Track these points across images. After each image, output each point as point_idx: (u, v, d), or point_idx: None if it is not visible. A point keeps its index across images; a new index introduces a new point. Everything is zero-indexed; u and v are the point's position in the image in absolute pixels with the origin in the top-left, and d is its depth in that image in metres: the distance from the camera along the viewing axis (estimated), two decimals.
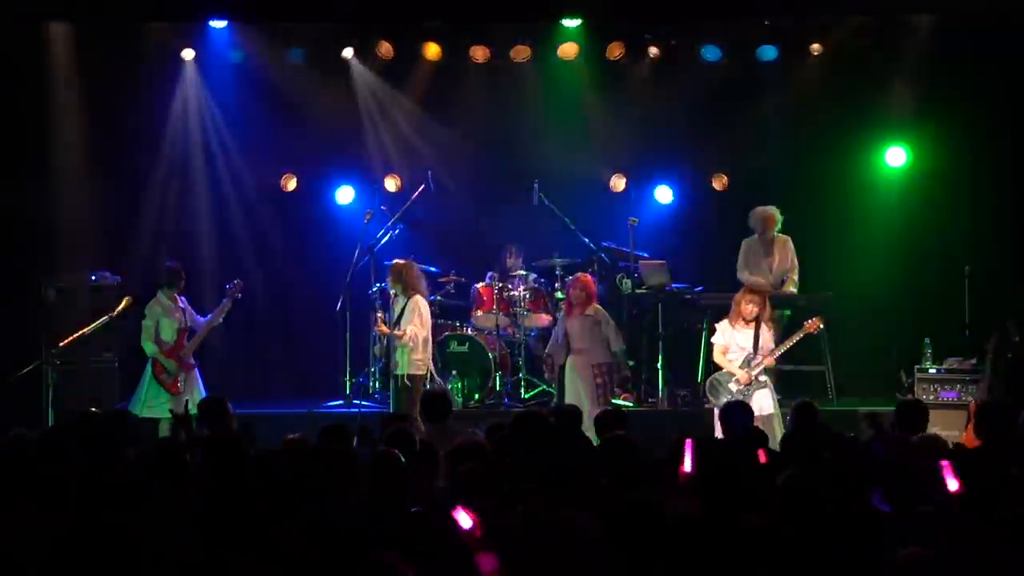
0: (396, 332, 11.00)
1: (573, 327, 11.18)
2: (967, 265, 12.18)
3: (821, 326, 10.70)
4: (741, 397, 10.26)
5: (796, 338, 10.56)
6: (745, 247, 12.52)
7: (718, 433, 10.27)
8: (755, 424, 10.18)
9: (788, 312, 11.94)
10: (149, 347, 11.05)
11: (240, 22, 13.01)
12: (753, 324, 10.42)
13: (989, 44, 12.49)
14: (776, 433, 10.18)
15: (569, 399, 11.05)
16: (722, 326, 10.63)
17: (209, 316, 11.36)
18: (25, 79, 12.69)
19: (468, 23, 13.31)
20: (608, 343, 11.15)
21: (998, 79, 12.67)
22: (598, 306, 11.29)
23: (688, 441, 6.68)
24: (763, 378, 10.39)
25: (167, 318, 11.09)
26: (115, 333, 11.93)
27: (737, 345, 10.46)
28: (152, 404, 10.86)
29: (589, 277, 11.46)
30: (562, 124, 13.58)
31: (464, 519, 5.35)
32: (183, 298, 11.27)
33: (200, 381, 11.13)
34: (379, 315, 11.56)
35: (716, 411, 10.40)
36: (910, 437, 7.23)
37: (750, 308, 10.40)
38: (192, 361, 11.16)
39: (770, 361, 10.40)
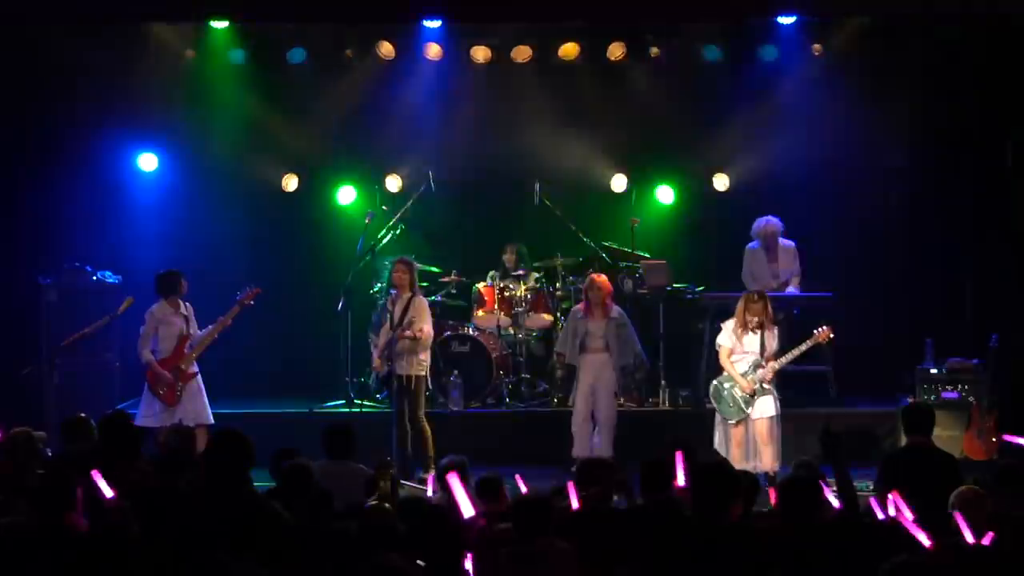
0: (415, 332, 10.76)
1: (595, 328, 11.15)
2: (969, 264, 12.15)
3: (832, 336, 10.49)
4: (744, 403, 10.22)
5: (804, 347, 10.35)
6: (749, 256, 12.45)
7: (716, 443, 10.29)
8: (756, 427, 10.21)
9: (795, 311, 11.93)
10: (144, 356, 10.68)
11: (240, 22, 12.99)
12: (759, 329, 10.33)
13: (988, 43, 12.48)
14: (776, 436, 10.17)
15: (579, 398, 11.11)
16: (727, 327, 10.45)
17: (209, 327, 10.86)
18: (25, 79, 12.68)
19: (470, 24, 13.30)
20: (632, 345, 11.16)
21: (998, 78, 12.66)
22: (619, 308, 11.28)
23: (678, 454, 6.59)
24: (766, 384, 10.27)
25: (166, 325, 10.70)
26: (116, 333, 11.92)
27: (742, 348, 10.34)
28: (148, 414, 10.47)
29: (604, 277, 11.38)
30: (563, 124, 13.57)
31: (466, 504, 5.30)
32: (188, 304, 10.86)
33: (203, 390, 10.73)
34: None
35: (717, 416, 10.40)
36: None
37: (753, 319, 10.26)
38: (194, 369, 10.73)
39: (776, 369, 10.28)
